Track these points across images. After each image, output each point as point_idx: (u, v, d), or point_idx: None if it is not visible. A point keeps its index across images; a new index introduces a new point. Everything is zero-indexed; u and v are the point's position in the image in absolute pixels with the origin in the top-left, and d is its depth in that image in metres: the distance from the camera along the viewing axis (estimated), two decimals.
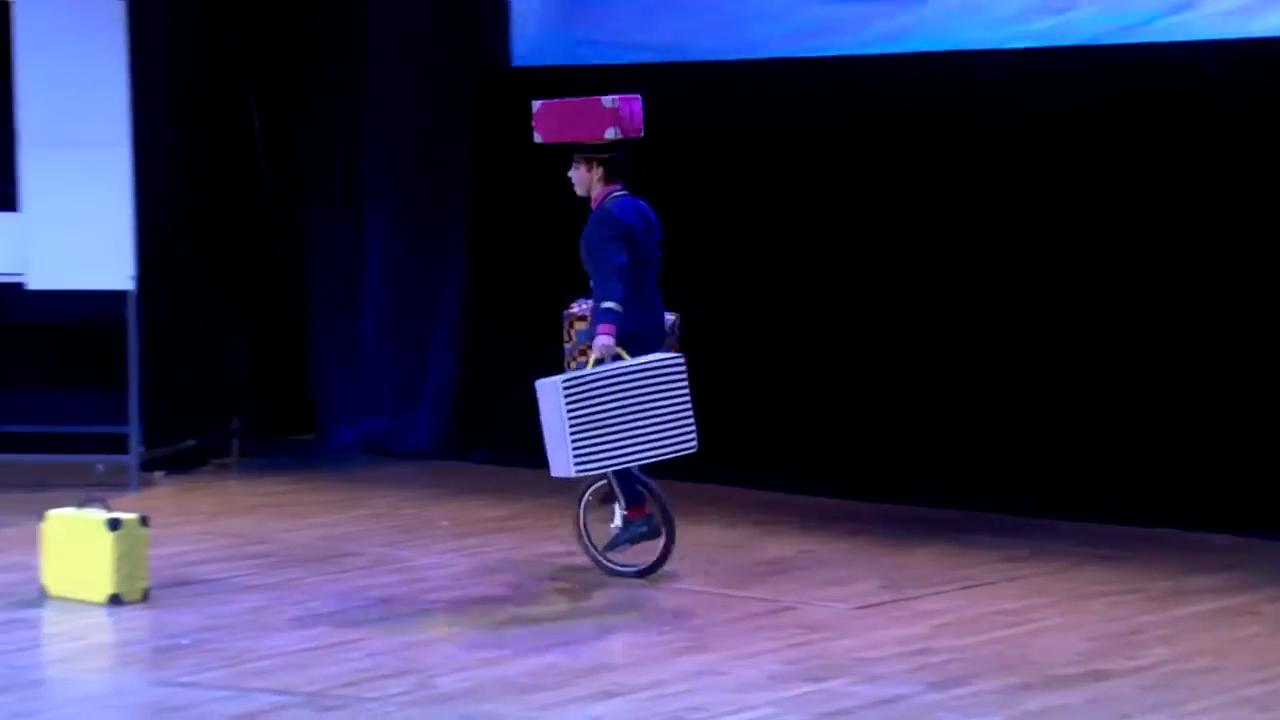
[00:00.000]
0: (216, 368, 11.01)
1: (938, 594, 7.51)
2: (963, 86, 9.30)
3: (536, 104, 7.75)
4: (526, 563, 8.18)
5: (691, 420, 7.44)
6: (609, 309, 7.37)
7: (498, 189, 10.77)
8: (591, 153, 7.66)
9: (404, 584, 7.75)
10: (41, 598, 7.43)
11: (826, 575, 7.90)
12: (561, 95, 10.46)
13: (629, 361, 7.36)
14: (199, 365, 10.86)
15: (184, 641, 6.82)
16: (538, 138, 7.76)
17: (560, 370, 7.74)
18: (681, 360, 7.46)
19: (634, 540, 7.69)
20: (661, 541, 7.70)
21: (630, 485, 7.65)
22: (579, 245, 7.65)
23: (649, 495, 7.68)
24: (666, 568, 7.77)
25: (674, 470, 9.92)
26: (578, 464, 7.23)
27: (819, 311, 9.75)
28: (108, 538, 7.32)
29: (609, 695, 6.15)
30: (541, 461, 10.32)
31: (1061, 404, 9.08)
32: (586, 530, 7.85)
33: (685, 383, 7.43)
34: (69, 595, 7.38)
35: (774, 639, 6.84)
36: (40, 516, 7.57)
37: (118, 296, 9.89)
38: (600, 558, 7.80)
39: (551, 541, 8.58)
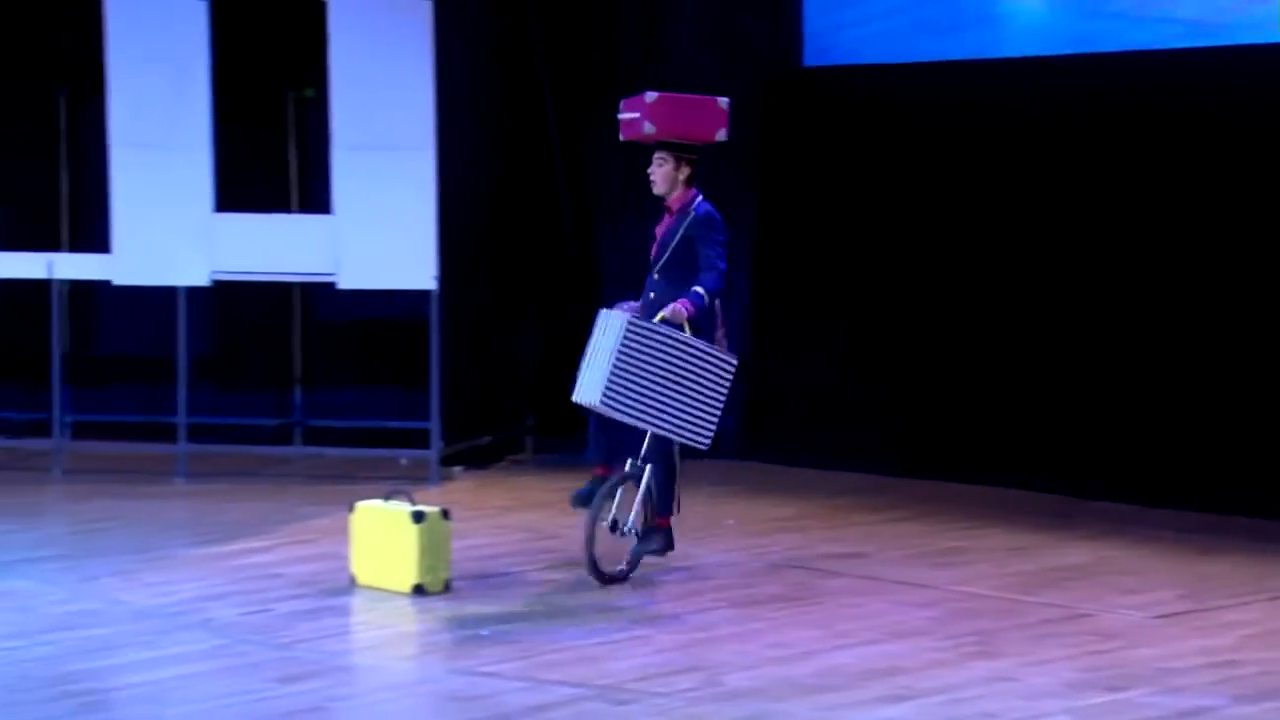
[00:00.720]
0: (511, 366, 11.18)
1: (1243, 604, 7.25)
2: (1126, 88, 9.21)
3: (651, 95, 7.59)
4: (812, 562, 8.11)
5: (716, 421, 7.39)
6: (699, 293, 7.38)
7: (784, 188, 10.74)
8: (686, 153, 7.58)
9: (691, 581, 7.75)
10: (350, 586, 7.62)
11: (1123, 582, 7.69)
12: (852, 95, 10.48)
13: (690, 338, 7.33)
14: (495, 363, 11.04)
15: (483, 633, 6.92)
16: (647, 129, 7.59)
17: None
18: (734, 364, 7.41)
19: (659, 551, 7.62)
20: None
21: (674, 491, 7.59)
22: (663, 237, 7.57)
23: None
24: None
25: (958, 473, 9.89)
26: (605, 398, 7.21)
27: (1111, 311, 9.55)
28: (412, 530, 7.47)
29: (899, 699, 6.06)
30: (831, 462, 10.46)
31: None
32: (595, 527, 7.62)
33: (728, 385, 7.39)
34: (375, 585, 7.55)
35: (1068, 646, 6.67)
36: (348, 508, 7.76)
37: (420, 296, 10.10)
38: (597, 562, 7.57)
39: (838, 542, 8.51)
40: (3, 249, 10.26)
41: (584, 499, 7.66)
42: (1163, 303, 9.36)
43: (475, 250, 10.67)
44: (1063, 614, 7.16)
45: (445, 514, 7.58)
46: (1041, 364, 9.79)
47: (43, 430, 10.83)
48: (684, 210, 7.59)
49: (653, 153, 7.65)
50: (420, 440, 10.22)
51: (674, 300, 7.45)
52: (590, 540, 7.57)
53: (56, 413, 10.46)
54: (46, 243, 10.93)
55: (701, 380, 7.35)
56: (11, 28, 10.53)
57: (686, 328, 7.36)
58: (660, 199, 7.73)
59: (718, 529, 8.91)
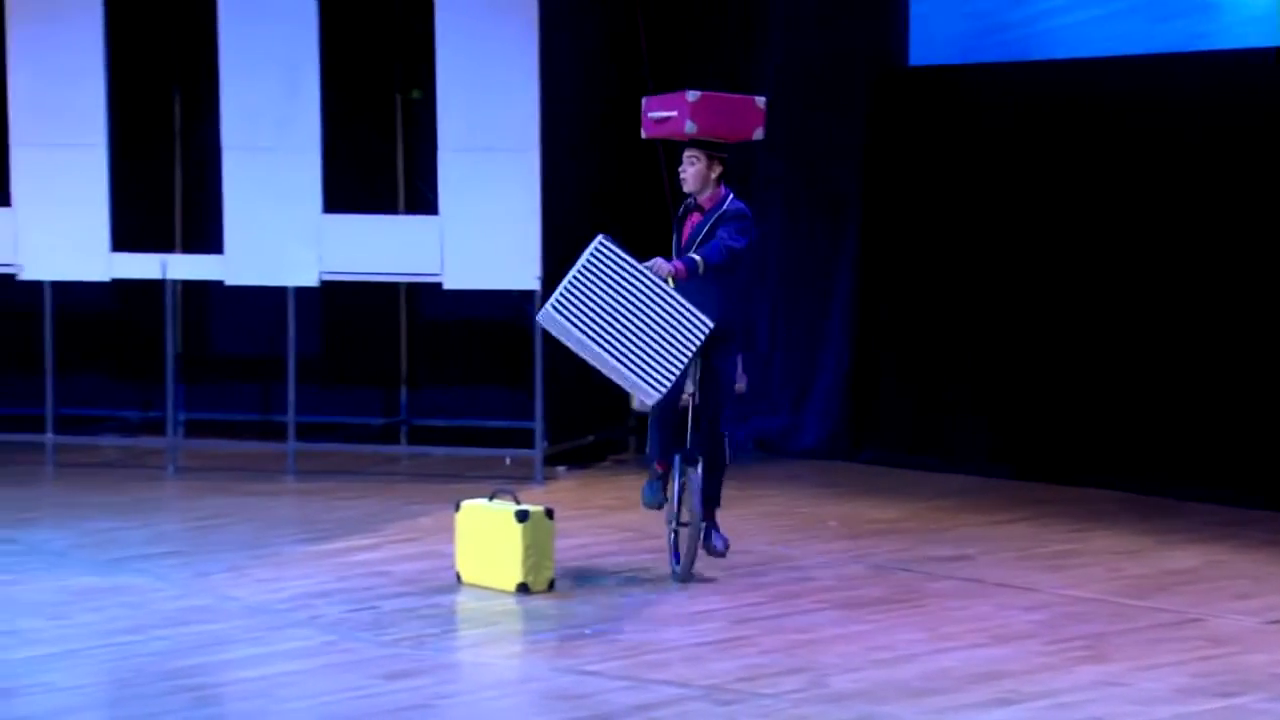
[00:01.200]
0: None
1: None
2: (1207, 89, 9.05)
3: (693, 94, 7.53)
4: (916, 565, 8.04)
5: (673, 376, 7.19)
6: (693, 258, 7.31)
7: (890, 187, 10.66)
8: (718, 151, 7.54)
9: (793, 583, 7.70)
10: (455, 585, 7.63)
11: (1235, 586, 7.56)
12: (957, 95, 10.38)
13: (666, 286, 7.25)
14: None
15: (587, 631, 6.91)
16: (689, 128, 7.50)
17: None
18: (708, 326, 7.24)
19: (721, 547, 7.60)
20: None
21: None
22: (691, 233, 7.51)
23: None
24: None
25: (1065, 475, 9.77)
26: (556, 304, 7.10)
27: (1224, 313, 9.39)
28: (517, 529, 7.47)
29: (1006, 703, 5.98)
30: (935, 464, 10.36)
31: None
32: (675, 521, 7.63)
33: (695, 345, 7.23)
34: (480, 583, 7.56)
35: (1179, 651, 6.56)
36: (454, 507, 7.78)
37: (524, 296, 10.11)
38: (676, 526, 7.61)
39: (943, 544, 8.43)
40: (119, 250, 10.38)
41: (652, 499, 7.63)
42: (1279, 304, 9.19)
43: (578, 249, 10.64)
44: (1173, 619, 7.04)
45: (549, 513, 7.57)
46: (1151, 365, 9.65)
47: (157, 428, 10.96)
48: (715, 208, 7.56)
49: (682, 151, 7.60)
50: (524, 440, 10.23)
51: (702, 298, 7.38)
52: (674, 540, 7.60)
53: (171, 411, 10.58)
54: (161, 244, 11.05)
55: (667, 329, 7.21)
56: (129, 28, 10.65)
57: (670, 283, 7.27)
58: (691, 196, 7.66)
59: (820, 530, 8.87)
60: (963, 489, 9.84)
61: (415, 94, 11.19)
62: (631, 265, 7.23)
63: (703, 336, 7.28)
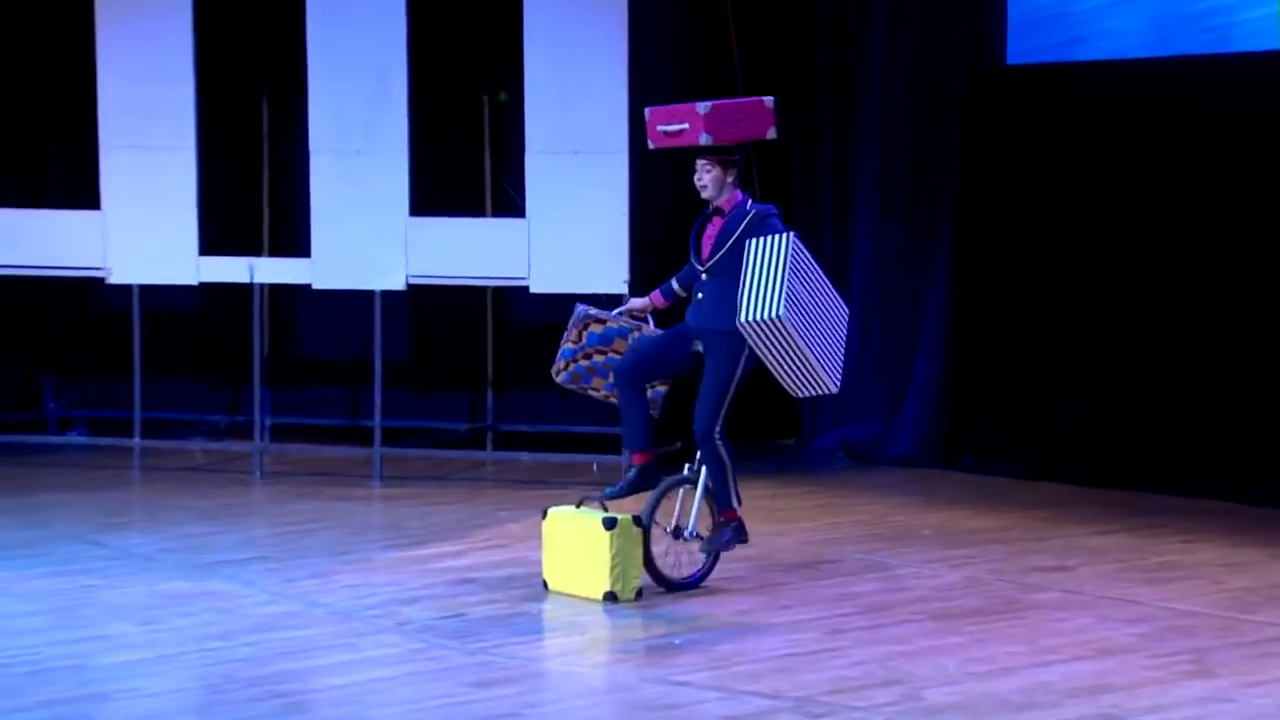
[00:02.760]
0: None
1: None
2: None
3: (703, 106, 7.50)
4: (1014, 575, 7.94)
5: (841, 364, 7.25)
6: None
7: (986, 189, 10.57)
8: (729, 155, 7.51)
9: (887, 593, 7.64)
10: (542, 592, 7.62)
11: None
12: (1055, 94, 10.27)
13: (822, 274, 7.26)
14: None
15: (676, 641, 6.88)
16: (705, 140, 7.48)
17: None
18: (848, 312, 7.32)
19: (732, 543, 7.53)
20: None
21: (731, 485, 7.49)
22: (716, 238, 7.47)
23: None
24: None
25: (1167, 484, 9.64)
26: (788, 308, 7.03)
27: None
28: (604, 536, 7.44)
29: (1109, 718, 5.90)
30: (1033, 472, 10.25)
31: None
32: (649, 532, 7.52)
33: (846, 331, 7.30)
34: (567, 591, 7.54)
35: None
36: (541, 514, 7.76)
37: (612, 299, 10.07)
38: (660, 569, 7.54)
39: (1041, 554, 8.34)
40: (207, 253, 10.45)
41: (649, 485, 7.55)
42: None
43: (667, 252, 10.60)
44: None
45: (637, 520, 7.53)
46: (1256, 371, 9.50)
47: (244, 433, 11.03)
48: (738, 211, 7.54)
49: (695, 159, 7.59)
50: (612, 445, 10.20)
51: (723, 300, 7.37)
52: (647, 548, 7.51)
53: (258, 415, 10.63)
54: (249, 247, 11.12)
55: (833, 318, 7.28)
56: (218, 31, 10.73)
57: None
58: (708, 203, 7.64)
59: (914, 539, 8.80)
60: (1062, 498, 9.74)
61: (503, 97, 11.20)
62: (814, 261, 7.27)
63: (847, 321, 7.32)
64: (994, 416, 10.62)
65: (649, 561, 7.55)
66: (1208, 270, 9.70)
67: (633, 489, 7.58)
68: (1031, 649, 6.73)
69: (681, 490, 7.66)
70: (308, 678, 6.48)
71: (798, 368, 7.21)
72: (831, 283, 7.37)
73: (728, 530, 7.60)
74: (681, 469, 7.71)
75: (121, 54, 10.45)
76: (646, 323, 7.81)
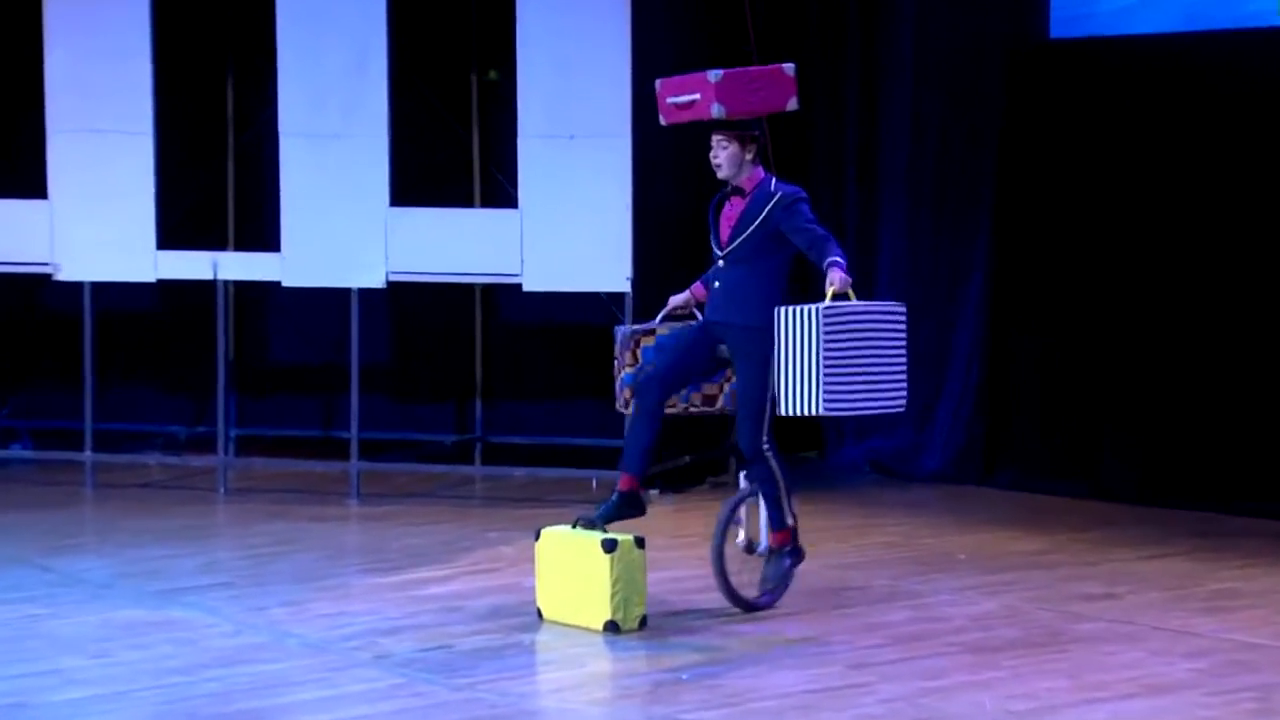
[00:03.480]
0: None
1: None
2: None
3: (715, 74, 7.52)
4: (1058, 604, 7.96)
5: (905, 377, 7.34)
6: (842, 261, 7.33)
7: (1028, 176, 10.58)
8: (748, 130, 7.54)
9: (918, 623, 7.66)
10: (537, 622, 7.63)
11: None
12: (1104, 71, 10.27)
13: (866, 303, 7.33)
14: None
15: (683, 676, 6.89)
16: (716, 111, 7.49)
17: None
18: (904, 310, 7.36)
19: (794, 567, 7.69)
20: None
21: (784, 503, 7.59)
22: (737, 222, 7.53)
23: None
24: None
25: (1227, 503, 9.64)
26: (828, 401, 7.11)
27: None
28: (603, 560, 7.45)
29: None
30: (1080, 489, 10.28)
31: None
32: (723, 553, 7.66)
33: (905, 332, 7.36)
34: (564, 620, 7.55)
35: None
36: (534, 535, 7.77)
37: (614, 299, 10.10)
38: (732, 587, 7.68)
39: (1088, 580, 8.36)
40: (165, 247, 10.46)
41: (630, 515, 7.61)
42: None
43: (675, 247, 10.64)
44: None
45: (639, 542, 7.55)
46: None
47: (207, 446, 11.04)
48: (760, 192, 7.58)
49: (710, 134, 7.60)
50: (612, 460, 10.18)
51: (742, 292, 7.47)
52: (722, 568, 7.63)
53: (222, 426, 10.65)
54: (212, 241, 11.14)
55: (888, 337, 7.35)
56: (178, 2, 10.75)
57: (852, 295, 7.32)
58: (726, 183, 7.68)
59: (949, 564, 8.82)
60: (1111, 519, 9.76)
61: (493, 75, 11.22)
62: (849, 313, 7.28)
63: (904, 320, 7.38)
64: (1035, 428, 10.63)
65: (725, 583, 7.66)
66: (1258, 268, 9.72)
67: (616, 515, 7.62)
68: (1077, 685, 6.73)
69: (745, 506, 7.77)
70: (277, 716, 6.47)
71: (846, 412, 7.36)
72: (874, 297, 7.46)
73: (785, 558, 7.72)
74: (685, 489, 7.77)
75: (71, 28, 10.47)
76: (695, 318, 7.82)
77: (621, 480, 7.65)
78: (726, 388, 7.92)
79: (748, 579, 7.75)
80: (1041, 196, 10.55)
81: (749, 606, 7.72)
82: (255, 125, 11.16)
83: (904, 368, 7.36)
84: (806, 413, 7.23)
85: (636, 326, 7.97)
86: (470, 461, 11.24)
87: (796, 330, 7.21)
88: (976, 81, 10.73)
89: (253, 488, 10.71)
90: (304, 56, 10.21)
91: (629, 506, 7.64)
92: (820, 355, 7.15)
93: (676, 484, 10.64)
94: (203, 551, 9.07)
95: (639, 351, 7.91)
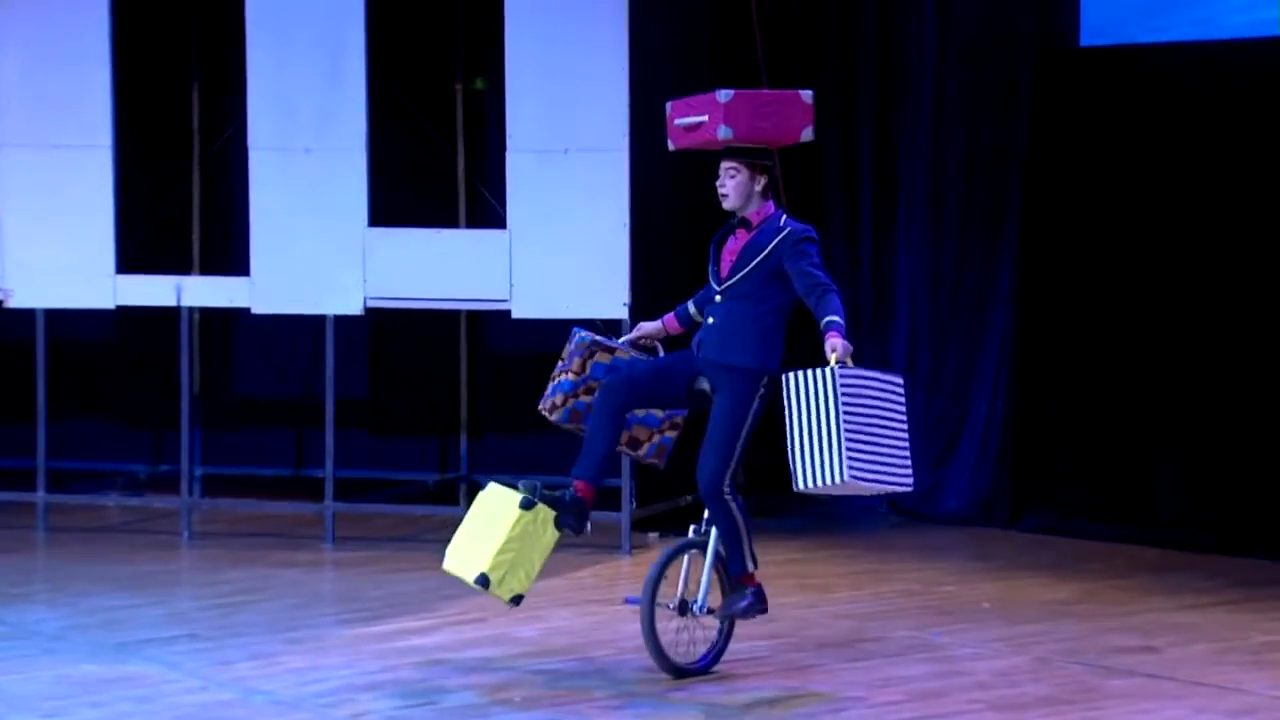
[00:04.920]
0: None
1: None
2: None
3: (725, 94, 7.52)
4: (1091, 657, 7.95)
5: (909, 453, 7.30)
6: (840, 324, 7.31)
7: (1056, 196, 10.60)
8: (760, 159, 7.55)
9: (939, 678, 7.64)
10: (526, 676, 7.59)
11: None
12: (1138, 80, 10.29)
13: (870, 372, 7.29)
14: None
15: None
16: (723, 134, 7.51)
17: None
18: (903, 383, 7.35)
19: (749, 613, 7.59)
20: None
21: (745, 546, 7.56)
22: (739, 256, 7.54)
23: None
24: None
25: (1272, 548, 9.64)
26: (852, 469, 7.06)
27: None
28: (512, 515, 7.41)
29: None
30: (1115, 533, 10.26)
31: None
32: (653, 610, 7.55)
33: (904, 408, 7.32)
34: (452, 570, 7.58)
35: None
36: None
37: (609, 326, 10.08)
38: (662, 648, 7.55)
39: (1124, 632, 8.35)
40: (125, 271, 10.46)
41: (569, 522, 7.54)
42: None
43: (675, 270, 10.63)
44: None
45: (560, 525, 7.43)
46: None
47: (169, 485, 11.02)
48: (768, 226, 7.57)
49: (718, 162, 7.62)
50: (609, 501, 10.19)
51: (740, 330, 7.48)
52: (652, 629, 7.52)
53: (186, 465, 10.64)
54: (176, 264, 11.14)
55: (892, 410, 7.31)
56: (139, 8, 10.76)
57: (850, 363, 7.33)
58: (731, 214, 7.67)
59: (973, 613, 8.81)
60: (1149, 564, 9.77)
61: (479, 84, 11.23)
62: (863, 377, 7.27)
63: (904, 396, 7.34)
64: (1066, 466, 10.63)
65: (653, 643, 7.54)
66: None
67: (558, 509, 7.48)
68: None
69: (687, 557, 7.66)
70: None
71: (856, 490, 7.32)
72: (880, 368, 7.50)
73: (745, 595, 7.62)
74: (686, 531, 7.71)
75: (25, 35, 10.48)
76: (657, 352, 7.82)
77: (577, 485, 7.57)
78: (657, 439, 7.88)
79: (679, 641, 7.60)
80: (1073, 215, 10.56)
81: (678, 671, 7.56)
82: (222, 138, 11.17)
83: (908, 443, 7.32)
84: (827, 483, 7.16)
85: (599, 338, 7.91)
86: (454, 502, 11.23)
87: (810, 393, 7.19)
88: (1002, 93, 10.74)
89: (219, 531, 10.71)
90: (275, 64, 10.22)
91: (573, 515, 7.53)
92: (840, 419, 7.11)
93: (676, 527, 10.61)
94: (165, 600, 9.05)
95: (590, 364, 7.84)
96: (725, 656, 7.75)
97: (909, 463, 7.30)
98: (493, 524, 7.48)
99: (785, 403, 7.22)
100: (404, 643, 8.17)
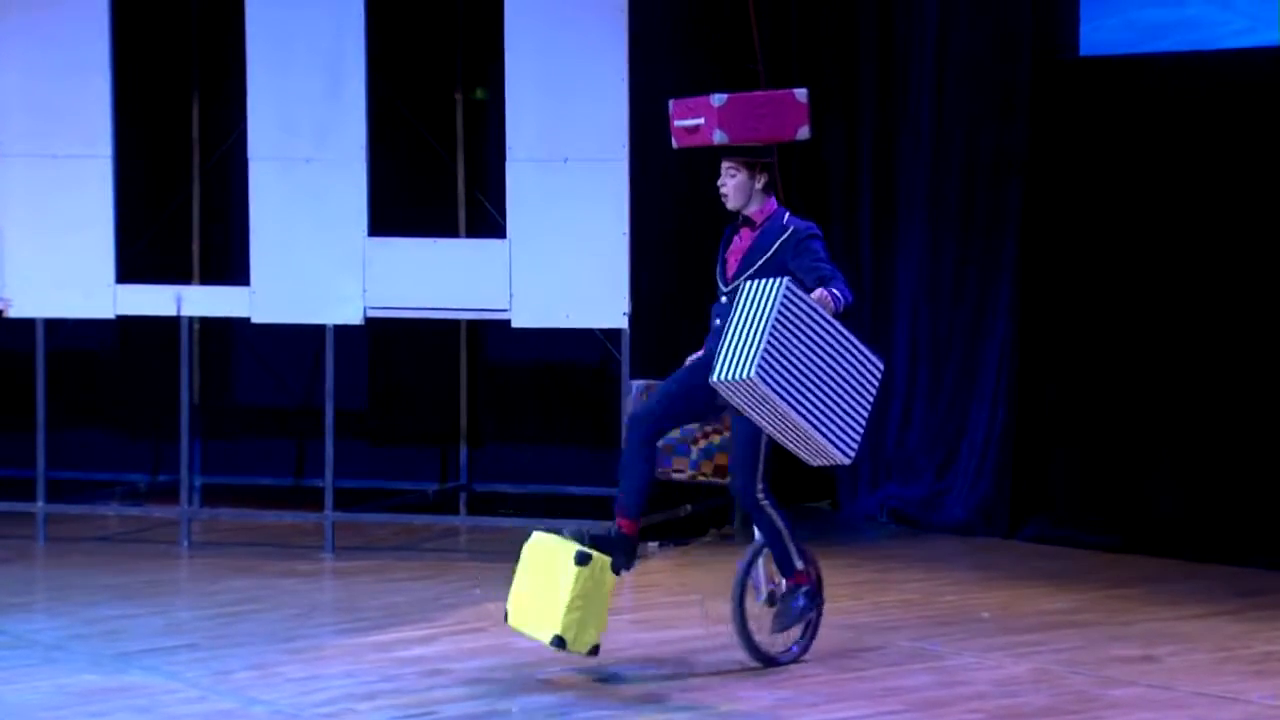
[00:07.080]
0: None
1: None
2: None
3: (719, 98, 7.55)
4: (1091, 667, 7.94)
5: (861, 433, 7.29)
6: (840, 296, 7.38)
7: (1057, 203, 10.59)
8: (759, 157, 7.59)
9: (939, 688, 7.64)
10: (527, 686, 7.61)
11: None
12: (1139, 90, 10.28)
13: (843, 325, 7.29)
14: None
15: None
16: (718, 138, 7.54)
17: None
18: (881, 369, 7.35)
19: (810, 609, 7.78)
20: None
21: (789, 546, 7.69)
22: (744, 255, 7.58)
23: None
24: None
25: (1251, 556, 9.63)
26: (761, 369, 7.04)
27: None
28: (570, 572, 7.50)
29: None
30: (1115, 542, 10.25)
31: None
32: (743, 603, 7.79)
33: (874, 394, 7.33)
34: (523, 629, 7.67)
35: None
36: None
37: (610, 336, 10.09)
38: (755, 643, 7.79)
39: (1124, 642, 8.34)
40: (125, 281, 10.46)
41: (620, 561, 7.65)
42: None
43: (677, 280, 10.64)
44: None
45: (617, 567, 7.60)
46: None
47: (169, 495, 11.02)
48: (772, 224, 7.64)
49: (719, 161, 7.66)
50: (608, 510, 10.16)
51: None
52: (744, 624, 7.75)
53: (185, 475, 10.63)
54: (176, 274, 11.13)
55: (850, 378, 7.31)
56: (140, 18, 10.76)
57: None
58: (735, 214, 7.74)
59: (973, 623, 8.80)
60: (1149, 574, 9.75)
61: (479, 94, 11.23)
62: (815, 309, 7.26)
63: (878, 380, 7.35)
64: (1068, 475, 10.62)
65: (746, 637, 7.77)
66: None
67: (606, 550, 7.60)
68: None
69: (762, 558, 7.89)
70: None
71: (792, 434, 7.25)
72: (860, 332, 7.42)
73: (798, 597, 7.76)
74: (686, 540, 7.79)
75: (24, 44, 10.48)
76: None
77: (621, 523, 7.70)
78: (702, 444, 8.05)
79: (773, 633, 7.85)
80: (1074, 223, 10.56)
81: (770, 661, 7.83)
82: (222, 148, 11.17)
83: (862, 421, 7.30)
84: (734, 378, 7.11)
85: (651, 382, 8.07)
86: (455, 512, 11.23)
87: (755, 297, 7.20)
88: (1002, 101, 10.74)
89: (219, 541, 10.70)
90: (275, 74, 10.22)
91: (623, 554, 7.66)
92: (770, 324, 7.10)
93: (677, 536, 10.62)
94: (164, 610, 9.05)
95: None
96: (725, 665, 7.77)
97: (854, 436, 7.27)
98: (552, 579, 7.53)
99: (733, 305, 7.25)
100: (404, 652, 8.17)
